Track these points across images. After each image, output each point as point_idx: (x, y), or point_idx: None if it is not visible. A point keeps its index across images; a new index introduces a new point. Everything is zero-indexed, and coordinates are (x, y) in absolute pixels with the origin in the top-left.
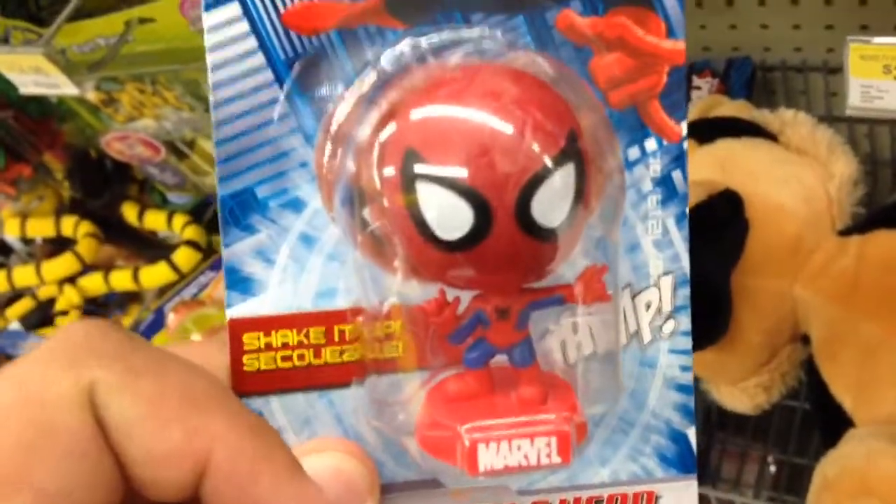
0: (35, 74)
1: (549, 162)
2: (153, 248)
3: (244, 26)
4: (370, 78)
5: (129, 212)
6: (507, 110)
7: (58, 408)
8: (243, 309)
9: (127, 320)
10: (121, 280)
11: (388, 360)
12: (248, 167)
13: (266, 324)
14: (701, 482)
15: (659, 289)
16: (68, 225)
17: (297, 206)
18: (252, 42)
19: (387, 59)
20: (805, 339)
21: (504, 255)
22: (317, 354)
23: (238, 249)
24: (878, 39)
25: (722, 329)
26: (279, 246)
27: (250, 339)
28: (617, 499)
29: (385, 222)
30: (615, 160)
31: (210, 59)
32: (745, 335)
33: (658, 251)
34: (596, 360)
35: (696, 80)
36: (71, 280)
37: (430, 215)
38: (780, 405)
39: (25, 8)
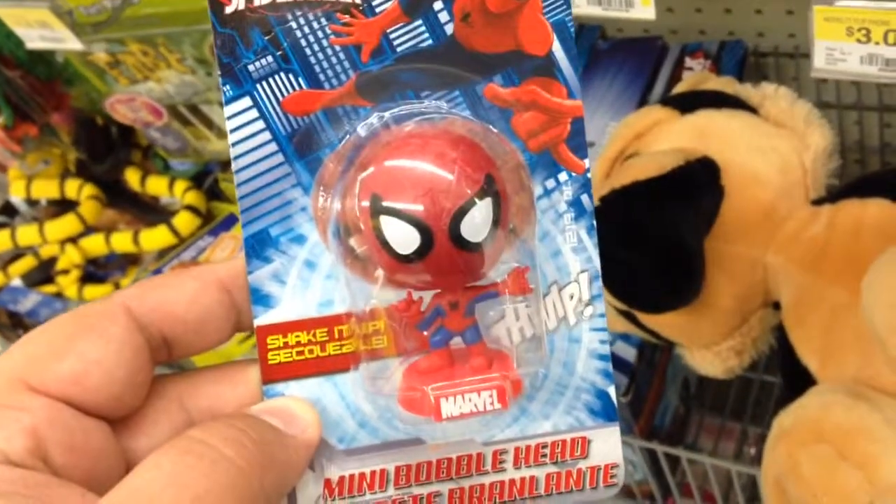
0: (41, 29)
1: (471, 197)
2: (154, 213)
3: (254, 112)
4: (349, 142)
5: (132, 177)
6: (441, 163)
7: None
8: (265, 318)
9: (125, 281)
10: (121, 242)
11: (375, 349)
12: (262, 214)
13: (283, 328)
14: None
15: (578, 283)
16: (72, 187)
17: (300, 240)
18: (260, 124)
19: (361, 128)
20: (777, 306)
21: (444, 262)
22: (322, 349)
23: (259, 275)
24: (840, 2)
25: (695, 292)
26: (289, 270)
27: (272, 340)
28: (558, 444)
29: (365, 247)
30: (531, 191)
31: (231, 137)
32: (717, 299)
33: (575, 255)
34: (529, 338)
35: (689, 62)
36: (73, 240)
37: (390, 237)
38: (757, 381)
39: None
